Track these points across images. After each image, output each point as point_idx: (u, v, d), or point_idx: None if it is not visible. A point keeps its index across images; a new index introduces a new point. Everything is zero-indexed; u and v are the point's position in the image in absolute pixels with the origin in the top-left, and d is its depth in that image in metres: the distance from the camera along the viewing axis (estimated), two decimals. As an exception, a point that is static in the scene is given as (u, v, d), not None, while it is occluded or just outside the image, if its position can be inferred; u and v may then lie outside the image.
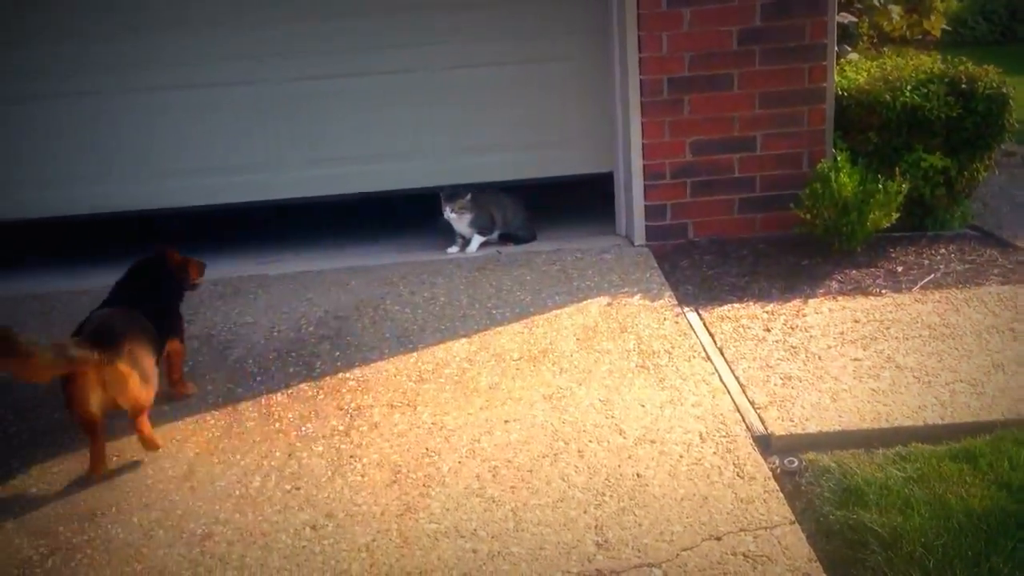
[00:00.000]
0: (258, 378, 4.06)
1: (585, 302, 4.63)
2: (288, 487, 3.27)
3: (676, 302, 4.57)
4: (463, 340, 4.30)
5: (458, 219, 5.42)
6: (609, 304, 4.58)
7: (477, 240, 5.51)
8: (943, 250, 5.03)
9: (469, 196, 5.37)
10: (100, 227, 6.08)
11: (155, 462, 3.47)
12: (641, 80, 5.13)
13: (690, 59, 5.10)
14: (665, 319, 4.38)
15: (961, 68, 5.20)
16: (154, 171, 5.64)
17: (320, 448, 3.50)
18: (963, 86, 5.07)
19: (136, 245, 6.04)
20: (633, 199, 5.34)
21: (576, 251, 5.34)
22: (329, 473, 3.34)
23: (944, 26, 6.68)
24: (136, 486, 3.33)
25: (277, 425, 3.67)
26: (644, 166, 5.27)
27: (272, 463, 3.42)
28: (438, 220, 5.45)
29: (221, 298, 4.95)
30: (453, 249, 5.53)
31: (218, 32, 5.45)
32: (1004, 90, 5.06)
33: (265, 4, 5.46)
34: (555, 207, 6.12)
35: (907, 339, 4.04)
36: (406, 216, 6.12)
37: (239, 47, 5.48)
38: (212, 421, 3.73)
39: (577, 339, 4.23)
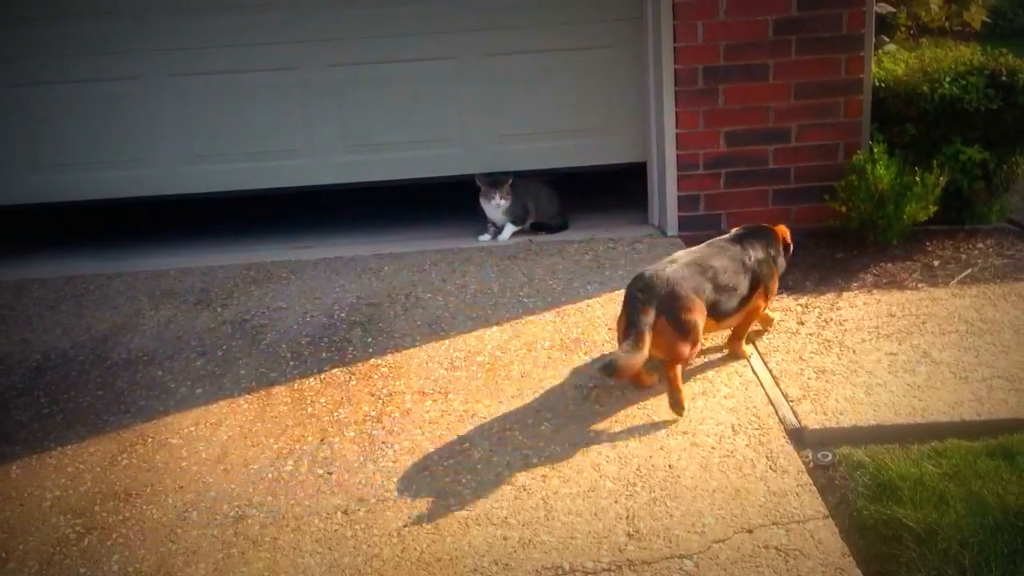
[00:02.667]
0: (291, 363, 4.08)
1: (617, 292, 4.59)
2: (320, 471, 3.29)
3: (708, 293, 4.54)
4: (495, 328, 4.30)
5: (497, 207, 5.41)
6: (641, 294, 4.56)
7: (509, 229, 5.50)
8: (980, 244, 4.96)
9: (511, 182, 5.37)
10: (132, 211, 6.14)
11: (189, 444, 3.50)
12: (676, 69, 5.09)
13: (725, 48, 5.05)
14: (697, 310, 4.35)
15: (1002, 60, 5.12)
16: (190, 156, 5.66)
17: (352, 433, 3.51)
18: (1003, 79, 4.99)
19: (169, 229, 6.12)
20: (666, 189, 5.31)
21: (608, 241, 5.32)
22: (361, 459, 3.35)
23: (985, 18, 6.57)
24: (170, 468, 3.36)
25: (310, 410, 3.69)
26: (678, 156, 5.24)
27: (304, 447, 3.44)
28: (475, 207, 5.44)
29: (255, 283, 4.97)
30: (485, 237, 5.52)
31: (258, 18, 5.46)
32: (1046, 83, 4.98)
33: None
34: (588, 196, 6.10)
35: (943, 334, 3.99)
36: (438, 203, 6.13)
37: (279, 33, 5.48)
38: (245, 405, 3.76)
39: (609, 329, 4.22)
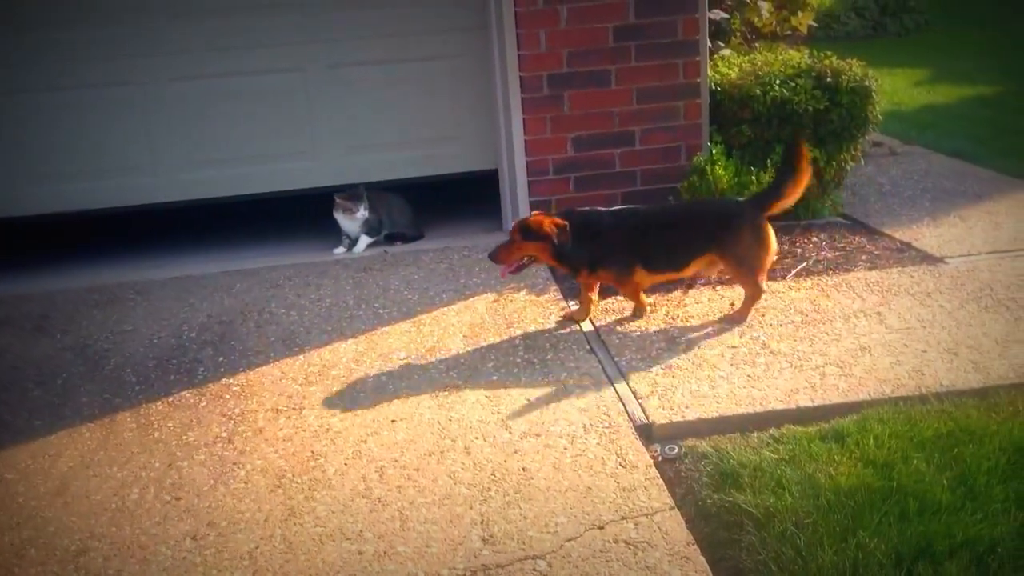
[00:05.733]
0: (137, 387, 3.96)
1: (472, 299, 4.66)
2: (168, 498, 3.20)
3: (561, 296, 4.63)
4: (350, 341, 4.27)
5: (352, 219, 5.37)
6: (496, 300, 4.61)
7: (364, 240, 5.48)
8: (815, 238, 5.22)
9: (365, 194, 5.35)
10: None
11: (26, 479, 3.34)
12: (521, 77, 5.18)
13: (568, 56, 5.17)
14: (551, 314, 4.44)
15: (827, 62, 5.40)
16: (25, 175, 5.43)
17: (202, 456, 3.43)
18: (828, 80, 5.27)
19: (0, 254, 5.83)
20: (518, 195, 5.39)
21: (463, 248, 5.36)
22: (211, 482, 3.27)
23: (812, 22, 6.92)
24: (6, 504, 3.20)
25: (156, 435, 3.58)
26: (528, 162, 5.33)
27: (151, 474, 3.33)
28: (329, 220, 5.39)
29: (97, 306, 4.80)
30: (340, 250, 5.48)
31: (97, 32, 5.26)
32: (867, 83, 5.28)
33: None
34: (445, 205, 6.13)
35: (781, 325, 4.18)
36: (291, 217, 6.04)
37: (117, 47, 5.31)
38: (87, 434, 3.61)
39: (464, 336, 4.25)
